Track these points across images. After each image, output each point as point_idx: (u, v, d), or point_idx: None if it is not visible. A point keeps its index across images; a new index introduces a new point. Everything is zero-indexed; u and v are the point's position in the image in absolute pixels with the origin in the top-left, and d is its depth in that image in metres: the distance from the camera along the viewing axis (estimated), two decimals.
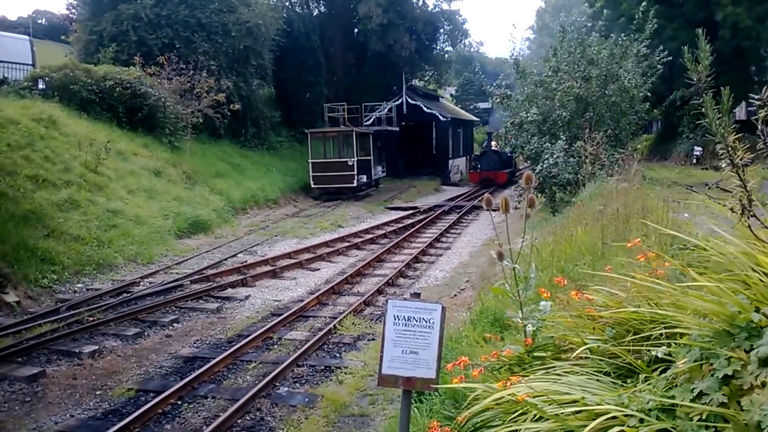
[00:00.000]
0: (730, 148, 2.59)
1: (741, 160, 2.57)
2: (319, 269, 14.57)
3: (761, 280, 2.46)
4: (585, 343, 2.91)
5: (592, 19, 20.26)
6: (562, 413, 2.39)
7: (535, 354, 3.19)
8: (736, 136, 2.91)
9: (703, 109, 2.68)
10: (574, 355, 2.87)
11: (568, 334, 3.22)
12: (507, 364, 3.23)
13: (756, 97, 2.61)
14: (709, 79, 2.92)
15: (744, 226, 2.68)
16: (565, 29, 19.99)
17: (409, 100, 39.36)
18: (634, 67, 18.95)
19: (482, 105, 63.37)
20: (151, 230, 16.20)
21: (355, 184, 29.71)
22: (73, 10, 31.77)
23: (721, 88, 2.70)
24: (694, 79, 2.84)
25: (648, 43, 19.41)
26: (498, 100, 22.90)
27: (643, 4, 20.24)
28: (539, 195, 17.75)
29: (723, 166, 2.77)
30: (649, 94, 20.05)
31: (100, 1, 27.88)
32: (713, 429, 2.03)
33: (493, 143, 41.85)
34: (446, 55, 49.65)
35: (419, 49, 41.76)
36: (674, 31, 26.79)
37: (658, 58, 19.24)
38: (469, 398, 2.98)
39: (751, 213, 2.62)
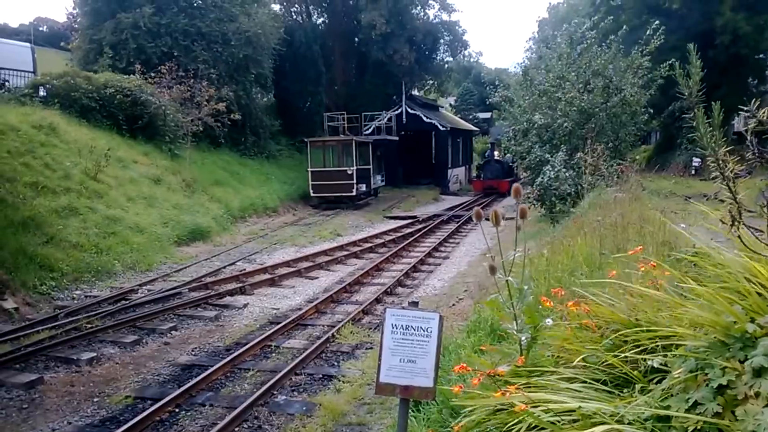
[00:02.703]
0: (720, 161, 2.62)
1: (732, 172, 2.59)
2: (317, 278, 14.57)
3: (756, 291, 2.48)
4: (582, 354, 2.92)
5: (593, 29, 20.33)
6: (558, 422, 2.41)
7: (532, 368, 3.20)
8: (732, 147, 2.94)
9: (695, 124, 2.71)
10: (572, 366, 2.88)
11: (565, 344, 3.23)
12: (504, 380, 3.24)
13: (745, 108, 2.64)
14: (702, 93, 2.94)
15: (734, 237, 2.70)
16: (573, 39, 20.08)
17: (409, 110, 39.49)
18: (636, 80, 19.05)
19: (482, 115, 63.58)
20: (150, 238, 16.20)
21: (354, 193, 29.75)
22: (74, 18, 31.87)
23: (713, 103, 2.73)
24: (686, 93, 2.87)
25: (649, 57, 19.49)
26: (500, 101, 23.00)
27: (656, 23, 20.26)
28: (539, 205, 17.84)
29: (716, 177, 2.79)
30: (650, 110, 20.15)
31: (100, 10, 27.98)
32: None
33: (496, 153, 42.18)
34: (446, 65, 49.86)
35: (419, 59, 41.95)
36: (676, 41, 26.98)
37: (659, 72, 19.29)
38: (465, 407, 3.00)
39: (741, 224, 2.64)
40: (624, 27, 21.80)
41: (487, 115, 61.46)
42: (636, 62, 19.20)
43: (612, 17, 23.06)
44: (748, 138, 2.68)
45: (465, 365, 3.27)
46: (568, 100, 18.23)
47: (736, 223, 2.61)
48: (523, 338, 3.39)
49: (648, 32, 19.58)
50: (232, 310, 11.69)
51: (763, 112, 2.61)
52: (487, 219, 3.53)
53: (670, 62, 18.17)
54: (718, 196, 3.01)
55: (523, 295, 3.42)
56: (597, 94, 18.20)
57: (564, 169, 16.57)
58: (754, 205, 2.96)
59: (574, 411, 2.41)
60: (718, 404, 2.08)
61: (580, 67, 18.94)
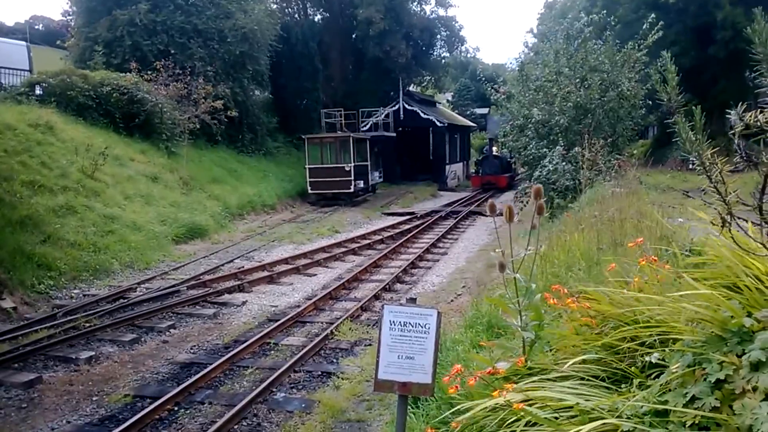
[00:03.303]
0: (707, 164, 2.61)
1: (721, 173, 2.58)
2: (316, 275, 14.57)
3: (754, 286, 2.48)
4: (580, 350, 2.93)
5: (589, 25, 20.28)
6: (556, 419, 2.41)
7: (530, 366, 3.21)
8: (729, 140, 2.93)
9: (677, 129, 2.70)
10: (570, 364, 2.88)
11: (563, 341, 3.23)
12: (503, 377, 3.25)
13: (732, 112, 2.63)
14: (702, 87, 2.93)
15: (728, 237, 2.69)
16: (570, 35, 20.05)
17: (406, 106, 39.49)
18: (633, 74, 19.02)
19: (479, 111, 63.59)
20: (148, 236, 16.18)
21: (352, 190, 29.74)
22: (70, 16, 31.81)
23: (694, 107, 2.71)
24: (665, 99, 2.85)
25: (647, 51, 19.46)
26: (501, 97, 23.01)
27: (653, 17, 20.24)
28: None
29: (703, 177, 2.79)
30: (648, 102, 20.11)
31: (95, 8, 27.92)
32: None
33: (494, 148, 42.31)
34: (443, 61, 49.82)
35: (416, 55, 41.92)
36: (675, 35, 27.04)
37: (656, 67, 19.23)
38: (464, 404, 3.00)
39: (731, 225, 2.64)
40: (612, 18, 21.78)
41: (485, 110, 61.48)
42: (633, 56, 19.16)
43: (605, 12, 22.98)
44: (735, 141, 2.67)
45: (461, 367, 3.27)
46: (564, 96, 18.20)
47: (727, 225, 2.60)
48: (526, 335, 3.39)
49: (645, 26, 19.56)
50: (230, 307, 11.69)
51: (750, 116, 2.60)
52: (499, 215, 3.52)
53: (662, 59, 18.13)
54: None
55: (529, 292, 3.42)
56: (593, 89, 18.18)
57: (563, 162, 16.57)
58: (750, 197, 2.95)
59: (572, 407, 2.41)
60: (716, 399, 2.09)
61: (576, 62, 18.91)
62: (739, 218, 2.70)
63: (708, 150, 2.66)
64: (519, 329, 3.46)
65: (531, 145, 19.59)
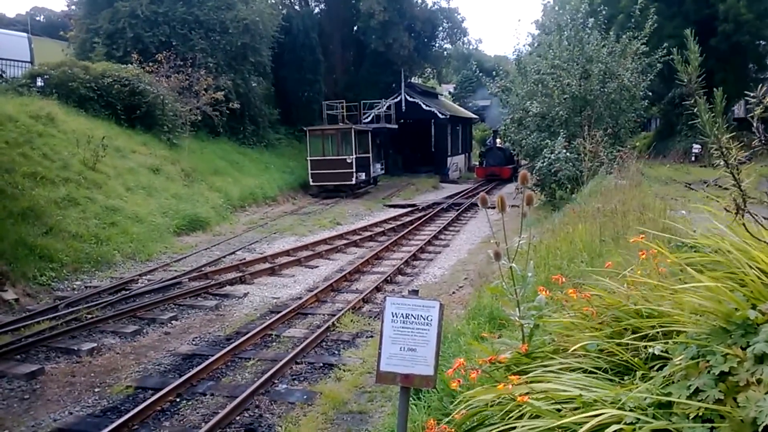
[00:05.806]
0: (724, 149, 2.59)
1: (735, 159, 2.57)
2: (317, 267, 14.57)
3: (758, 277, 2.47)
4: (583, 342, 2.92)
5: (590, 16, 20.20)
6: (558, 411, 2.40)
7: (533, 356, 3.20)
8: (733, 134, 2.91)
9: (696, 110, 2.68)
10: (572, 350, 2.87)
11: (566, 332, 3.23)
12: (504, 366, 3.24)
13: (752, 94, 2.61)
14: (702, 79, 2.91)
15: (739, 225, 2.68)
16: (561, 26, 19.99)
17: (408, 98, 39.38)
18: (633, 65, 18.95)
19: (481, 102, 63.44)
20: (150, 228, 16.19)
21: (353, 182, 29.73)
22: (72, 7, 31.73)
23: (715, 89, 2.69)
24: (685, 80, 2.83)
25: (646, 41, 19.40)
26: (497, 91, 22.98)
27: (640, 1, 20.26)
28: (540, 191, 17.83)
29: (718, 164, 2.77)
30: (649, 93, 20.07)
31: None
32: (709, 426, 2.04)
33: (498, 140, 42.40)
34: (445, 53, 49.63)
35: (418, 47, 41.76)
36: (674, 29, 26.92)
37: (657, 57, 19.22)
38: (466, 396, 2.99)
39: (746, 212, 2.62)
40: (603, 8, 21.70)
41: (487, 102, 61.34)
42: (632, 47, 19.10)
43: (605, 6, 22.93)
44: (754, 125, 2.65)
45: (463, 360, 3.27)
46: (562, 88, 18.16)
47: (741, 211, 2.59)
48: (525, 324, 3.39)
49: (635, 10, 19.53)
50: (232, 299, 11.70)
51: None
52: (492, 207, 3.51)
53: (665, 46, 18.09)
54: (719, 182, 3.00)
55: (526, 282, 3.41)
56: (593, 81, 18.12)
57: (565, 151, 16.54)
58: (755, 191, 2.94)
59: (575, 399, 2.41)
60: (720, 391, 2.08)
61: (575, 54, 18.84)
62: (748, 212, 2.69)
63: (726, 134, 2.64)
64: (517, 319, 3.46)
65: (531, 137, 19.59)
